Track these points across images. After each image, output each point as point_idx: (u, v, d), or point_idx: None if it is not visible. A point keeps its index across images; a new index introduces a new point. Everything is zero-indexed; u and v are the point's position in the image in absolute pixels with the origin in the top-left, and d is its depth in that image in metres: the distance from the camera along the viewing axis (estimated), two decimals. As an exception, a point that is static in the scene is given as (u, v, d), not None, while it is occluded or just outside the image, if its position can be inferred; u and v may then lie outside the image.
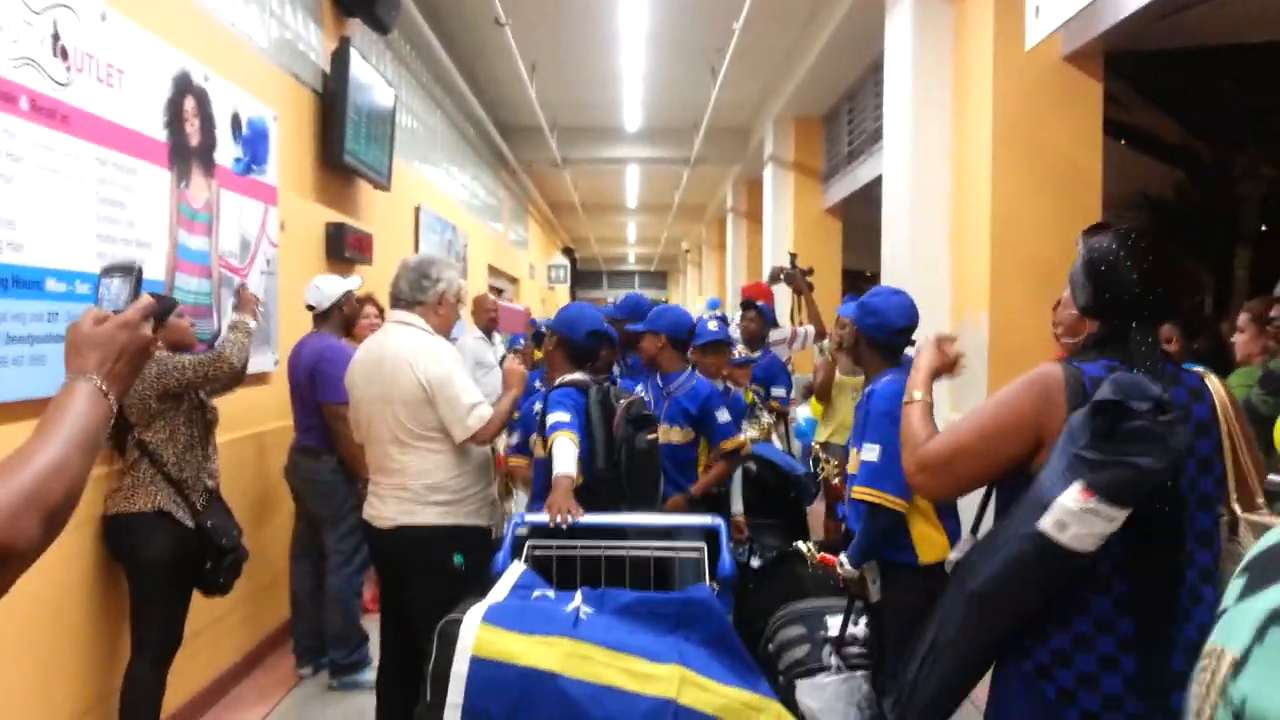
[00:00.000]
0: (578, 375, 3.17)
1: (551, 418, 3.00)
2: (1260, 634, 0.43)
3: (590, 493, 2.89)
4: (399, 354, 2.97)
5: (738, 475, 3.94)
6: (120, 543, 3.08)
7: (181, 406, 3.13)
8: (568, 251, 22.04)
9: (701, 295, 19.25)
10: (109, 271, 1.22)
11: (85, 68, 3.00)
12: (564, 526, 2.68)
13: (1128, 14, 3.85)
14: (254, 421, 4.28)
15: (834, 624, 2.88)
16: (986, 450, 1.64)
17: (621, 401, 3.08)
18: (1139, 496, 1.43)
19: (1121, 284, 1.62)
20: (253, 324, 3.38)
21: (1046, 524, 1.45)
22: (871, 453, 2.60)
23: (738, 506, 3.89)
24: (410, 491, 2.98)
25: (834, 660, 2.82)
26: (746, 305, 5.73)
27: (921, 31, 5.28)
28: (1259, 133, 7.20)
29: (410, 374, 2.94)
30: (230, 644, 4.07)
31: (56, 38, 2.85)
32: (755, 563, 3.81)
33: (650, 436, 3.09)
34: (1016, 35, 4.42)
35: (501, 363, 6.64)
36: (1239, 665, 0.45)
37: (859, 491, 2.60)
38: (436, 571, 2.94)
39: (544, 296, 17.84)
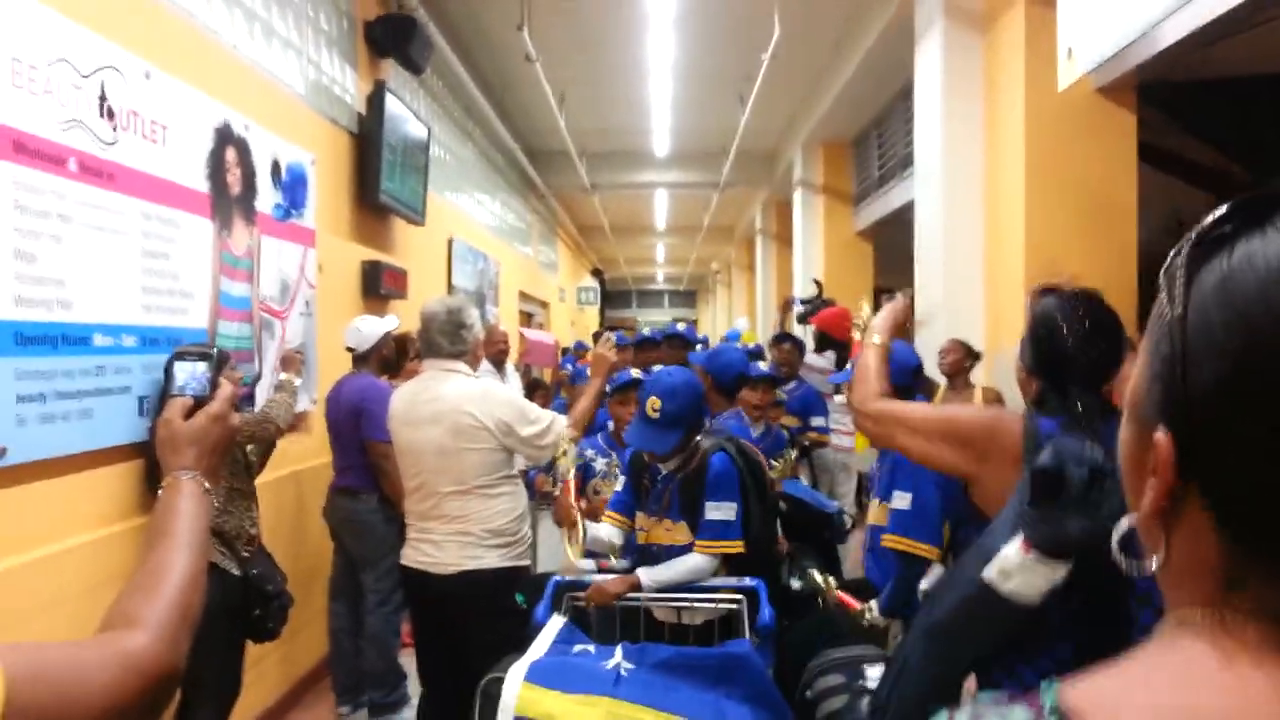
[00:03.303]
0: (723, 441, 2.96)
1: (719, 512, 2.77)
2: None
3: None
4: (459, 405, 2.99)
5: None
6: None
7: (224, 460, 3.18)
8: (596, 273, 22.14)
9: (732, 316, 19.22)
10: (183, 356, 1.18)
11: (130, 126, 3.07)
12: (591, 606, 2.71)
13: (1161, 49, 3.82)
14: (292, 460, 4.33)
15: (873, 674, 2.87)
16: (921, 433, 1.86)
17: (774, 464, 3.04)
18: (1072, 554, 1.46)
19: (1057, 346, 1.69)
20: (298, 381, 3.44)
21: (990, 573, 1.49)
22: (903, 500, 2.62)
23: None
24: (473, 536, 3.01)
25: None
26: (781, 338, 5.71)
27: (951, 64, 5.28)
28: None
29: (477, 423, 2.96)
30: (270, 684, 4.11)
31: (103, 99, 2.92)
32: (795, 584, 3.77)
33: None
34: (1047, 68, 4.41)
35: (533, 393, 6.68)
36: None
37: (890, 540, 2.63)
38: (501, 614, 2.98)
39: (573, 319, 17.92)
